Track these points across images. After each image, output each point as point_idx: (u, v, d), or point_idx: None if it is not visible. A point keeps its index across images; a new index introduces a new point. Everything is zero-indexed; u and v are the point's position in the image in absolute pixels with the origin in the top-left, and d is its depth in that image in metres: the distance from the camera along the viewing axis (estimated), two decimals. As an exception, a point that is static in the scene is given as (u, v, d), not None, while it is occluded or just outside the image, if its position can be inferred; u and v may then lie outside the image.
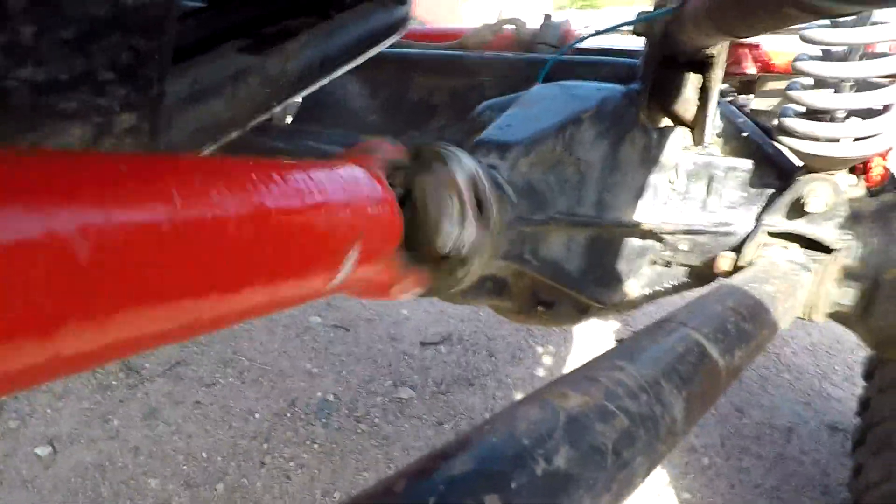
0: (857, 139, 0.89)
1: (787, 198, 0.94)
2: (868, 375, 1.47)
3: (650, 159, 1.04)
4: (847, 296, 0.92)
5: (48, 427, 1.88)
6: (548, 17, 1.59)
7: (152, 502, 1.62)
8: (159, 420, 1.93)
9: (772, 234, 0.96)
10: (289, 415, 1.98)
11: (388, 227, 0.55)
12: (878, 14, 0.83)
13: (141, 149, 0.60)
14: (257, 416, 1.97)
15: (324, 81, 0.94)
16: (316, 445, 1.85)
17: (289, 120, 1.61)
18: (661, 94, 1.02)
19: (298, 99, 1.45)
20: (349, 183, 0.49)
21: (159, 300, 0.29)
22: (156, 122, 0.61)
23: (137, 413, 1.96)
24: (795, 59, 0.92)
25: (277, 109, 0.92)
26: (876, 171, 0.93)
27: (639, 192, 1.05)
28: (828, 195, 0.91)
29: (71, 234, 0.24)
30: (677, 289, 1.12)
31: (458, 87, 1.40)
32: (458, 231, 0.62)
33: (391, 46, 1.04)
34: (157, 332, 0.31)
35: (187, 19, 0.93)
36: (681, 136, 1.05)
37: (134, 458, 1.76)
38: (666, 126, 1.05)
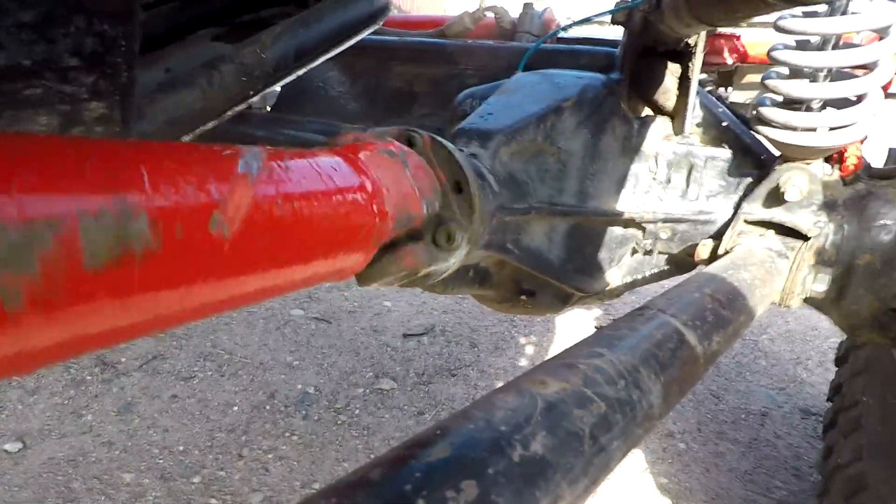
0: (832, 129, 0.90)
1: (765, 186, 0.96)
2: (841, 361, 1.51)
3: (631, 148, 1.04)
4: (822, 281, 0.94)
5: (18, 423, 1.83)
6: (528, 5, 1.58)
7: (127, 496, 1.59)
8: (134, 414, 1.90)
9: (749, 222, 0.98)
10: (268, 407, 1.96)
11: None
12: (854, 4, 0.84)
13: (112, 137, 0.58)
14: (236, 408, 1.95)
15: (301, 71, 0.92)
16: (295, 437, 1.84)
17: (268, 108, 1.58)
18: (641, 83, 1.02)
19: (277, 88, 1.43)
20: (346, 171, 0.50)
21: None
22: (127, 111, 0.59)
23: (112, 407, 1.92)
24: (771, 49, 0.93)
25: (255, 99, 0.90)
26: (850, 160, 0.94)
27: (620, 182, 1.06)
28: (804, 184, 0.93)
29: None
30: (658, 277, 1.13)
31: (438, 76, 1.38)
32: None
33: (371, 34, 1.03)
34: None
35: (160, 6, 0.90)
36: (661, 125, 1.05)
37: (107, 452, 1.73)
38: (646, 115, 1.06)
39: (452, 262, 0.69)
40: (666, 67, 1.00)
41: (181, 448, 1.76)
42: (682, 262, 1.09)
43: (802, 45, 0.92)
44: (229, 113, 0.87)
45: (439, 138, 0.68)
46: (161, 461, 1.71)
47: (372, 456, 1.79)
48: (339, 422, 1.91)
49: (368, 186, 0.51)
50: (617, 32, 1.11)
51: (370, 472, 0.27)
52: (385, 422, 1.93)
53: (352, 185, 0.50)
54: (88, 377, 2.06)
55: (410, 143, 0.66)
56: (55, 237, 0.26)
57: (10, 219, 0.24)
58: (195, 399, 1.98)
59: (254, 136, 1.42)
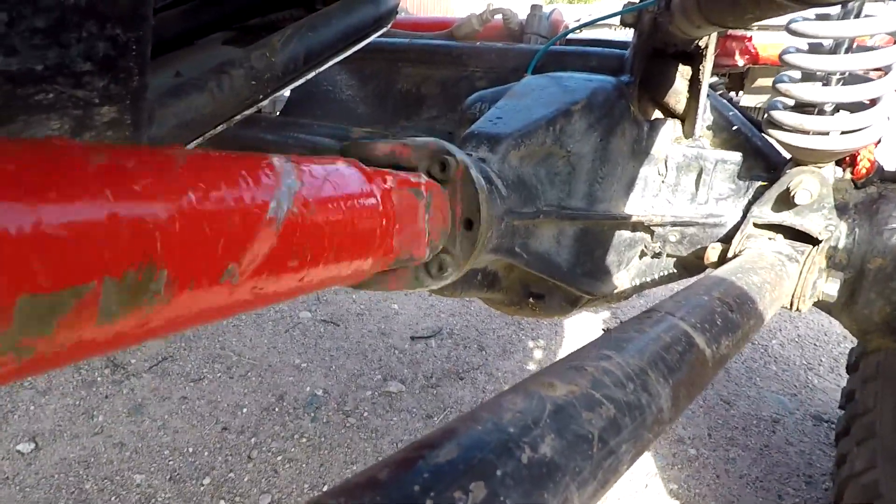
0: (844, 132, 0.89)
1: (775, 190, 0.95)
2: (852, 367, 1.49)
3: (641, 151, 1.04)
4: (833, 285, 0.93)
5: (31, 423, 1.85)
6: (536, 7, 1.58)
7: (137, 497, 1.60)
8: (145, 415, 1.91)
9: (759, 226, 0.97)
10: (277, 409, 1.97)
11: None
12: (868, 7, 0.84)
13: (123, 142, 0.59)
14: (245, 410, 1.96)
15: (311, 74, 0.93)
16: (304, 439, 1.84)
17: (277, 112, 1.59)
18: (652, 85, 1.02)
19: (286, 93, 1.44)
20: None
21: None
22: (138, 115, 0.60)
23: (122, 409, 1.94)
24: (783, 52, 0.92)
25: (264, 103, 0.91)
26: (862, 164, 0.94)
27: (629, 185, 1.05)
28: (815, 187, 0.92)
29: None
30: (666, 279, 1.12)
31: (447, 78, 1.38)
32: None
33: (380, 36, 1.03)
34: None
35: (171, 11, 0.91)
36: (671, 128, 1.05)
37: (119, 453, 1.75)
38: (656, 118, 1.05)
39: (438, 286, 0.69)
40: (676, 69, 0.99)
41: (191, 449, 1.77)
42: (690, 265, 1.09)
43: (815, 49, 0.91)
44: (239, 117, 0.88)
45: (473, 172, 0.67)
46: (171, 462, 1.72)
47: (380, 458, 1.78)
48: (347, 424, 1.92)
49: (384, 223, 0.51)
50: (627, 35, 1.11)
51: (378, 473, 0.27)
52: (393, 424, 1.93)
53: (372, 227, 0.49)
54: (99, 378, 2.08)
55: (443, 167, 0.65)
56: (78, 302, 0.26)
57: (41, 288, 0.24)
58: (204, 401, 1.99)
59: (263, 140, 1.43)
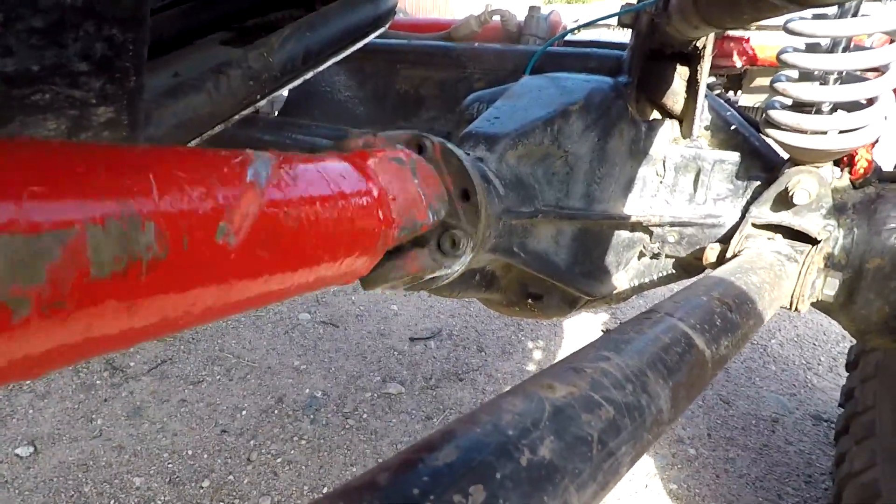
0: (842, 132, 0.89)
1: (774, 190, 0.95)
2: (851, 366, 1.49)
3: (638, 152, 1.04)
4: (831, 285, 0.93)
5: (29, 427, 1.85)
6: (534, 8, 1.58)
7: (137, 500, 1.60)
8: (144, 418, 1.91)
9: (757, 226, 0.97)
10: (276, 411, 1.97)
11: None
12: (865, 6, 0.84)
13: (119, 142, 0.59)
14: (244, 412, 1.95)
15: (308, 75, 0.93)
16: (303, 441, 1.84)
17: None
18: (649, 86, 1.02)
19: (284, 93, 1.44)
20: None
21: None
22: (135, 115, 0.60)
23: (121, 412, 1.93)
24: (781, 52, 0.92)
25: (262, 104, 0.91)
26: (860, 164, 0.94)
27: (627, 185, 1.05)
28: (813, 187, 0.92)
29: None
30: (665, 280, 1.12)
31: (445, 79, 1.38)
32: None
33: (378, 37, 1.03)
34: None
35: (168, 11, 0.91)
36: (669, 128, 1.05)
37: (118, 456, 1.74)
38: (654, 119, 1.05)
39: (457, 267, 0.69)
40: (674, 70, 0.99)
41: (190, 452, 1.77)
42: (689, 265, 1.09)
43: (812, 48, 0.91)
44: (236, 117, 0.88)
45: (450, 145, 0.68)
46: (170, 465, 1.72)
47: (380, 461, 1.78)
48: (347, 426, 1.91)
49: (375, 193, 0.51)
50: (625, 36, 1.11)
51: (378, 476, 0.27)
52: (393, 426, 1.93)
53: (359, 191, 0.50)
54: (98, 381, 2.08)
55: (420, 149, 0.67)
56: (63, 248, 0.26)
57: (18, 228, 0.24)
58: (204, 403, 1.99)
59: (261, 141, 1.42)
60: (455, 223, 0.67)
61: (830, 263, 0.93)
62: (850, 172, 0.95)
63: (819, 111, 0.91)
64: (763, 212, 0.96)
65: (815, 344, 2.55)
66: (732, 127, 1.03)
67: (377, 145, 0.65)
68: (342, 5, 0.94)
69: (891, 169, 1.00)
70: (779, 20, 0.78)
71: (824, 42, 0.90)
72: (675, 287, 1.00)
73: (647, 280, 1.12)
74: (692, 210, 1.04)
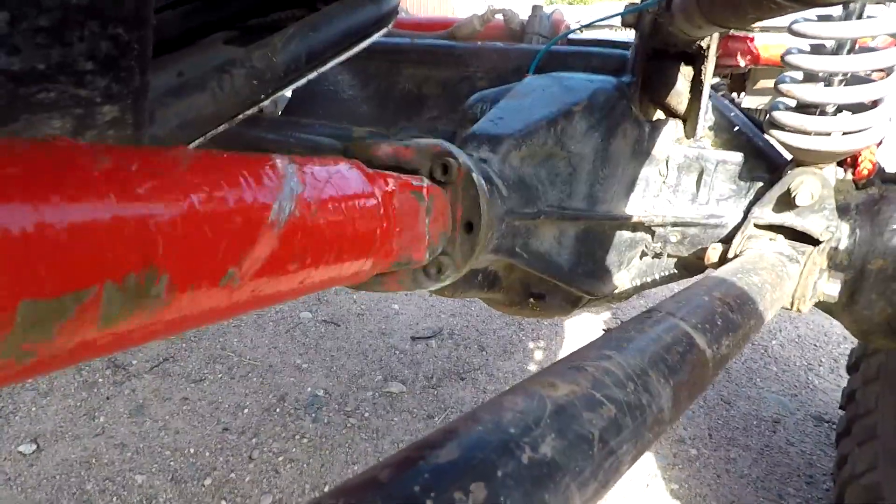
0: (846, 133, 0.89)
1: (776, 190, 0.95)
2: (853, 368, 1.49)
3: (642, 152, 1.04)
4: (833, 286, 0.92)
5: (32, 424, 1.85)
6: (537, 7, 1.58)
7: (139, 498, 1.60)
8: (146, 416, 1.91)
9: (759, 226, 0.97)
10: (278, 410, 1.97)
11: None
12: (870, 8, 0.83)
13: (124, 141, 0.59)
14: (246, 411, 1.96)
15: (312, 75, 0.93)
16: (305, 440, 1.84)
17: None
18: (653, 86, 1.02)
19: (288, 93, 1.44)
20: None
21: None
22: (139, 114, 0.60)
23: (124, 410, 1.94)
24: (785, 53, 0.92)
25: (265, 103, 0.91)
26: (864, 165, 0.93)
27: (630, 185, 1.05)
28: (816, 188, 0.92)
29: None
30: (667, 280, 1.12)
31: (448, 78, 1.38)
32: None
33: (381, 37, 1.03)
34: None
35: (172, 10, 0.91)
36: (672, 128, 1.05)
37: (120, 454, 1.75)
38: (658, 119, 1.05)
39: (436, 287, 0.69)
40: (678, 70, 0.99)
41: (192, 450, 1.77)
42: (691, 265, 1.09)
43: (817, 49, 0.91)
44: (240, 116, 0.88)
45: (475, 175, 0.67)
46: (173, 463, 1.72)
47: (381, 459, 1.79)
48: (348, 425, 1.92)
49: (384, 225, 0.51)
50: (629, 35, 1.11)
51: (379, 473, 0.27)
52: (394, 425, 1.93)
53: (372, 229, 0.49)
54: (100, 379, 2.08)
55: (445, 170, 0.65)
56: (79, 308, 0.26)
57: (41, 293, 0.24)
58: (206, 401, 1.99)
59: (265, 140, 1.43)
60: (448, 251, 0.66)
61: (833, 264, 0.93)
62: (853, 173, 0.94)
63: (823, 112, 0.91)
64: (765, 212, 0.96)
65: (816, 345, 2.55)
66: (736, 127, 1.03)
67: (406, 158, 0.64)
68: (345, 5, 0.95)
69: (894, 170, 0.99)
70: (783, 20, 0.78)
71: (829, 44, 0.89)
72: (676, 287, 1.00)
73: (648, 279, 1.12)
74: (695, 210, 1.04)
